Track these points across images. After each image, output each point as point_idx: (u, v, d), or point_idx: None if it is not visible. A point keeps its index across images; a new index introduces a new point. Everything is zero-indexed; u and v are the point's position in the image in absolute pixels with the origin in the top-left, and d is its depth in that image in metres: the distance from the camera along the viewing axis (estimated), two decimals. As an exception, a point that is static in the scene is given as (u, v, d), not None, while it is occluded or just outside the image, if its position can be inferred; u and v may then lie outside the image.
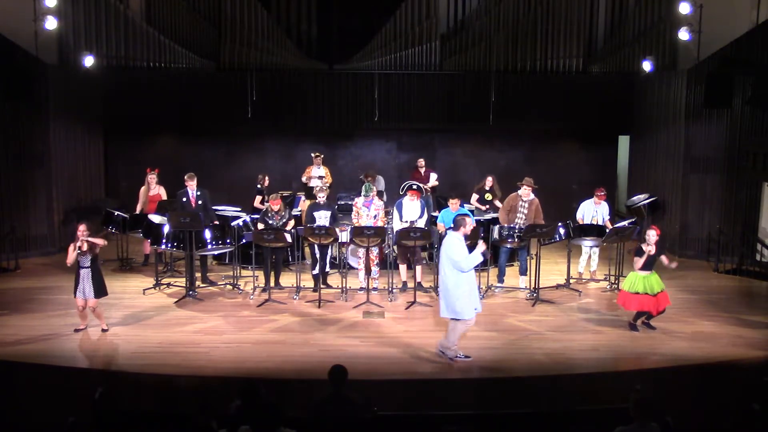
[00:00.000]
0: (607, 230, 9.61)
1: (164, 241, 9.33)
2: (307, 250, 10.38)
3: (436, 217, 10.10)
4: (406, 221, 9.47)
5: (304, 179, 12.14)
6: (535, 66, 13.34)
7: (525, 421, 5.41)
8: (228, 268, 10.46)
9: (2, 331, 7.91)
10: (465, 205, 10.66)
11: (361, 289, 9.54)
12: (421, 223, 9.48)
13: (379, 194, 10.73)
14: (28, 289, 9.73)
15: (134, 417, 5.33)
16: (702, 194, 11.90)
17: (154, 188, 10.97)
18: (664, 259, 8.11)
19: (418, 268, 9.58)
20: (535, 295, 9.33)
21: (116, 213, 10.48)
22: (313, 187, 11.06)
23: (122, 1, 12.73)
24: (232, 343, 7.69)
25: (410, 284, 9.63)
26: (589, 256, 10.50)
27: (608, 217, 10.30)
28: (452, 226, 7.31)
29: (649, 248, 7.97)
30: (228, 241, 9.42)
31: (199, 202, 9.81)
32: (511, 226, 9.55)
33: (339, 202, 11.10)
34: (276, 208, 9.50)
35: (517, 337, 8.00)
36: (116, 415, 5.20)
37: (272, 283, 9.60)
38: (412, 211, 9.52)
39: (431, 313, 8.74)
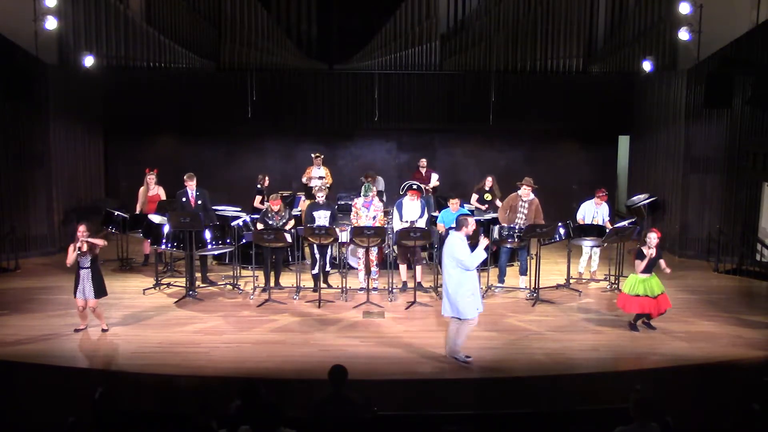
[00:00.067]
0: (607, 230, 9.61)
1: (164, 241, 9.33)
2: (306, 250, 10.37)
3: (436, 217, 10.10)
4: (406, 221, 9.47)
5: (304, 180, 12.14)
6: (535, 66, 13.34)
7: (525, 421, 5.41)
8: (228, 268, 10.47)
9: (2, 331, 7.91)
10: (465, 205, 10.67)
11: (361, 289, 9.54)
12: (421, 223, 9.48)
13: (379, 195, 10.73)
14: (28, 289, 9.73)
15: (134, 417, 5.33)
16: (702, 194, 11.90)
17: (153, 188, 10.97)
18: (662, 262, 8.10)
19: (418, 268, 9.58)
20: (535, 295, 9.33)
21: (116, 213, 10.47)
22: (313, 188, 11.06)
23: (122, 1, 12.73)
24: (232, 343, 7.69)
25: (410, 284, 9.63)
26: (590, 256, 10.50)
27: (608, 217, 10.30)
28: (454, 226, 7.32)
29: (651, 251, 7.97)
30: (228, 241, 9.42)
31: (199, 202, 9.82)
32: (511, 226, 9.55)
33: (339, 203, 11.10)
34: (276, 208, 9.50)
35: (517, 337, 8.00)
36: (116, 415, 5.20)
37: (272, 283, 9.60)
38: (412, 211, 9.52)
39: (431, 313, 8.75)
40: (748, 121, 11.13)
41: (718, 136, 11.59)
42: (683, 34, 11.61)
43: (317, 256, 9.47)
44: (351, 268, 10.11)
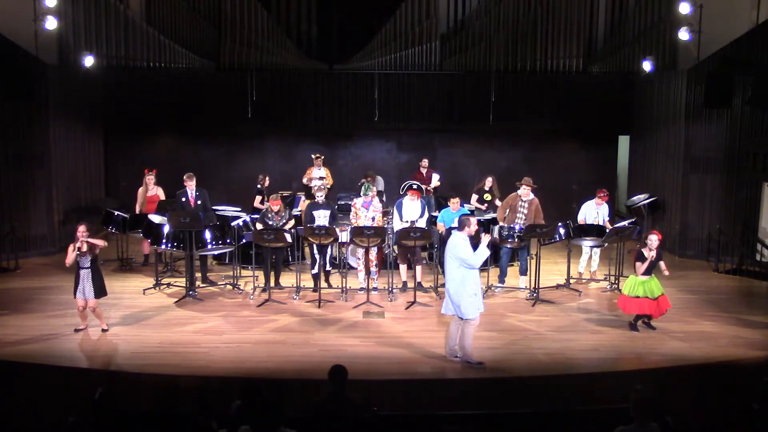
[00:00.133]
0: (607, 230, 9.61)
1: (164, 241, 9.33)
2: (306, 250, 10.37)
3: (436, 217, 10.10)
4: (407, 221, 9.47)
5: (305, 181, 12.14)
6: (535, 66, 13.34)
7: (525, 421, 5.40)
8: (228, 268, 10.46)
9: (2, 331, 7.91)
10: (465, 205, 10.67)
11: (361, 289, 9.54)
12: (421, 223, 9.48)
13: (379, 195, 10.74)
14: (28, 289, 9.73)
15: (134, 417, 5.33)
16: (702, 194, 11.90)
17: (151, 189, 10.97)
18: (662, 264, 8.10)
19: (418, 268, 9.58)
20: (535, 295, 9.32)
21: (116, 213, 10.46)
22: (312, 188, 11.06)
23: (122, 1, 12.73)
24: (232, 343, 7.69)
25: (410, 284, 9.62)
26: (590, 256, 10.50)
27: (608, 217, 10.30)
28: (456, 226, 7.33)
29: (651, 253, 7.97)
30: (228, 241, 9.42)
31: (198, 202, 9.82)
32: (511, 226, 9.55)
33: (339, 203, 11.11)
34: (276, 208, 9.49)
35: (517, 337, 8.00)
36: (116, 415, 5.19)
37: (272, 283, 9.60)
38: (412, 210, 9.52)
39: (431, 313, 8.75)
40: (748, 121, 11.14)
41: (718, 136, 11.59)
42: (683, 34, 11.61)
43: (317, 256, 9.47)
44: (351, 268, 10.11)
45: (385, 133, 14.24)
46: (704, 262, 11.58)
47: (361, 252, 9.52)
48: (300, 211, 10.95)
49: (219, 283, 9.98)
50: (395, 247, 9.94)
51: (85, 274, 7.68)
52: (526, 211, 9.69)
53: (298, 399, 6.37)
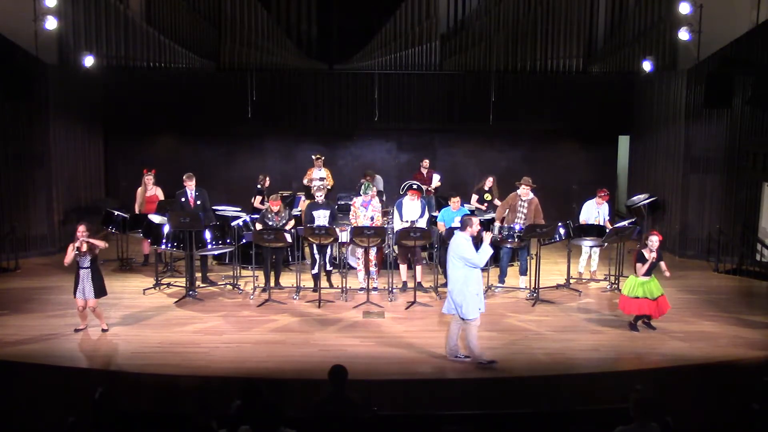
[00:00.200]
0: (607, 230, 9.61)
1: (164, 241, 9.33)
2: (306, 250, 10.37)
3: (437, 217, 10.10)
4: (407, 221, 9.46)
5: (305, 181, 12.13)
6: (535, 66, 13.34)
7: (525, 421, 5.41)
8: (228, 268, 10.46)
9: (2, 331, 7.91)
10: (465, 205, 10.66)
11: (361, 289, 9.54)
12: (421, 223, 9.48)
13: (379, 194, 10.73)
14: (28, 289, 9.73)
15: (134, 417, 5.33)
16: (702, 194, 11.90)
17: (150, 189, 10.97)
18: (662, 265, 8.10)
19: (418, 268, 9.58)
20: (535, 295, 9.32)
21: (116, 213, 10.46)
22: (312, 187, 11.05)
23: (122, 1, 12.73)
24: (232, 343, 7.69)
25: (410, 284, 9.62)
26: (590, 256, 10.50)
27: (608, 217, 10.30)
28: (456, 225, 7.33)
29: (652, 254, 7.97)
30: (228, 241, 9.42)
31: (198, 202, 9.82)
32: (511, 226, 9.55)
33: (339, 203, 11.10)
34: (276, 209, 9.49)
35: (517, 337, 8.00)
36: (116, 415, 5.19)
37: (272, 283, 9.60)
38: (412, 210, 9.52)
39: (431, 313, 8.75)
40: (748, 121, 11.14)
41: (718, 136, 11.59)
42: (683, 34, 11.61)
43: (317, 256, 9.47)
44: (351, 268, 10.11)
45: (385, 133, 14.24)
46: (704, 262, 11.58)
47: (360, 252, 9.52)
48: (300, 211, 10.94)
49: (219, 283, 9.98)
50: (395, 247, 9.94)
51: (85, 274, 7.69)
52: (525, 211, 9.69)
53: (298, 399, 6.37)
